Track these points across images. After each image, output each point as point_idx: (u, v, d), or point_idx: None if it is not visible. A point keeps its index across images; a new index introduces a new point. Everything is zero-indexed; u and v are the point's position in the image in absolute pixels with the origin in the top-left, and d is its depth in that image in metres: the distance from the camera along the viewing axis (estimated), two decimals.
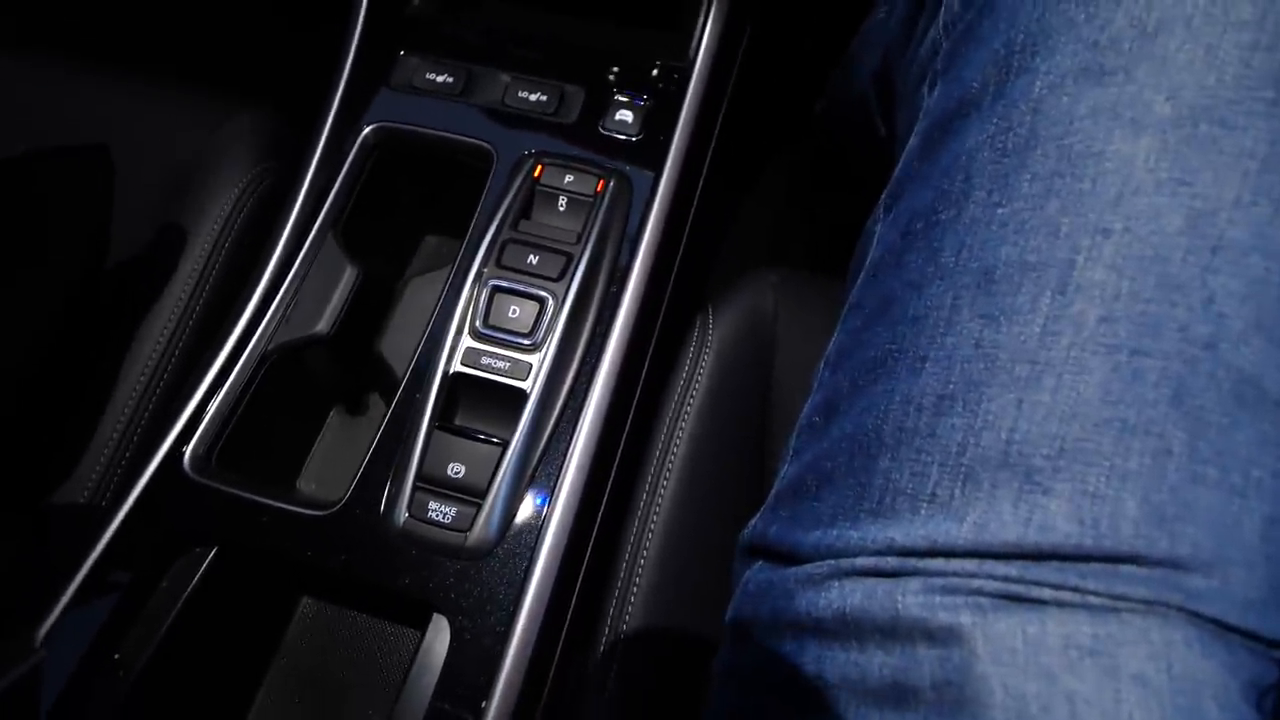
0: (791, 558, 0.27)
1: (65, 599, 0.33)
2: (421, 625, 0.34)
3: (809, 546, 0.26)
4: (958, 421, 0.24)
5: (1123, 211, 0.23)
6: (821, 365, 0.31)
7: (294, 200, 0.41)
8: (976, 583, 0.22)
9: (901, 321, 0.26)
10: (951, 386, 0.24)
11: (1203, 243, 0.22)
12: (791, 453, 0.31)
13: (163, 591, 0.34)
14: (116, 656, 0.33)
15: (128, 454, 0.39)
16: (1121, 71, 0.23)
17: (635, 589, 0.35)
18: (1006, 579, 0.22)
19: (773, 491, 0.30)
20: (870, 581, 0.23)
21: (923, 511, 0.24)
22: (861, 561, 0.24)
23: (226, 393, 0.38)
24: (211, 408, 0.37)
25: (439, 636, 0.33)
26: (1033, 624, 0.21)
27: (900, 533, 0.24)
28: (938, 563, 0.23)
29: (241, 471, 0.37)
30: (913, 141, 0.30)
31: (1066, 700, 0.20)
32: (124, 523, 0.34)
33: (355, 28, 0.44)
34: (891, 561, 0.23)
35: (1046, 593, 0.21)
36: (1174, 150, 0.23)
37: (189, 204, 0.43)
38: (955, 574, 0.22)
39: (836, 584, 0.24)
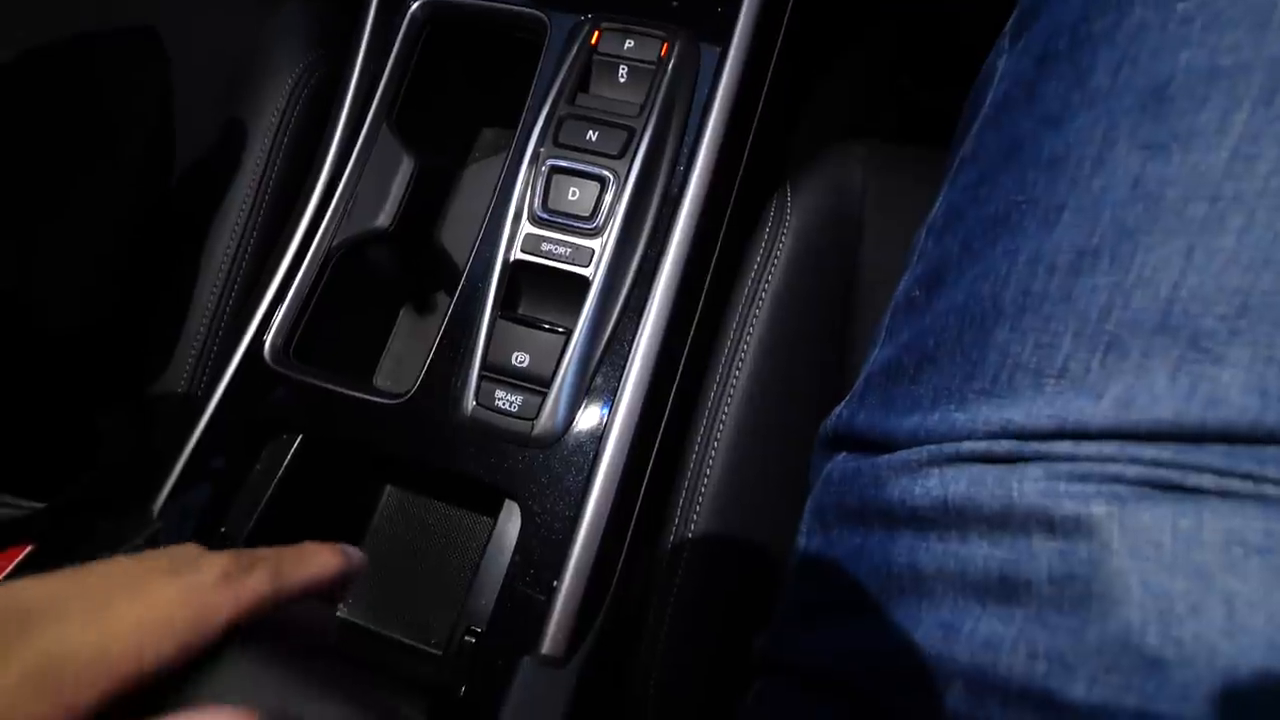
0: (884, 446, 0.25)
1: (173, 479, 0.35)
2: (494, 511, 0.35)
3: (905, 433, 0.23)
4: (1101, 281, 0.20)
5: None
6: (923, 234, 0.27)
7: (345, 91, 0.40)
8: (1115, 468, 0.19)
9: (1033, 166, 0.22)
10: (1096, 240, 0.20)
11: None
12: (885, 333, 0.27)
13: (257, 473, 0.36)
14: (222, 530, 0.35)
15: (215, 347, 0.40)
16: None
17: (705, 485, 0.34)
18: (1155, 463, 0.18)
19: (861, 377, 0.27)
20: (979, 468, 0.21)
21: (1048, 389, 0.20)
22: (969, 446, 0.21)
23: (296, 289, 0.38)
24: (285, 303, 0.38)
25: (511, 521, 0.34)
26: (1186, 515, 0.18)
27: (1020, 412, 0.20)
28: (1065, 445, 0.19)
29: (318, 363, 0.37)
30: None
31: (1224, 601, 0.17)
32: (216, 411, 0.36)
33: None
34: (1006, 445, 0.20)
35: (1208, 479, 0.18)
36: None
37: (245, 99, 0.43)
38: (1088, 458, 0.19)
39: (937, 471, 0.21)
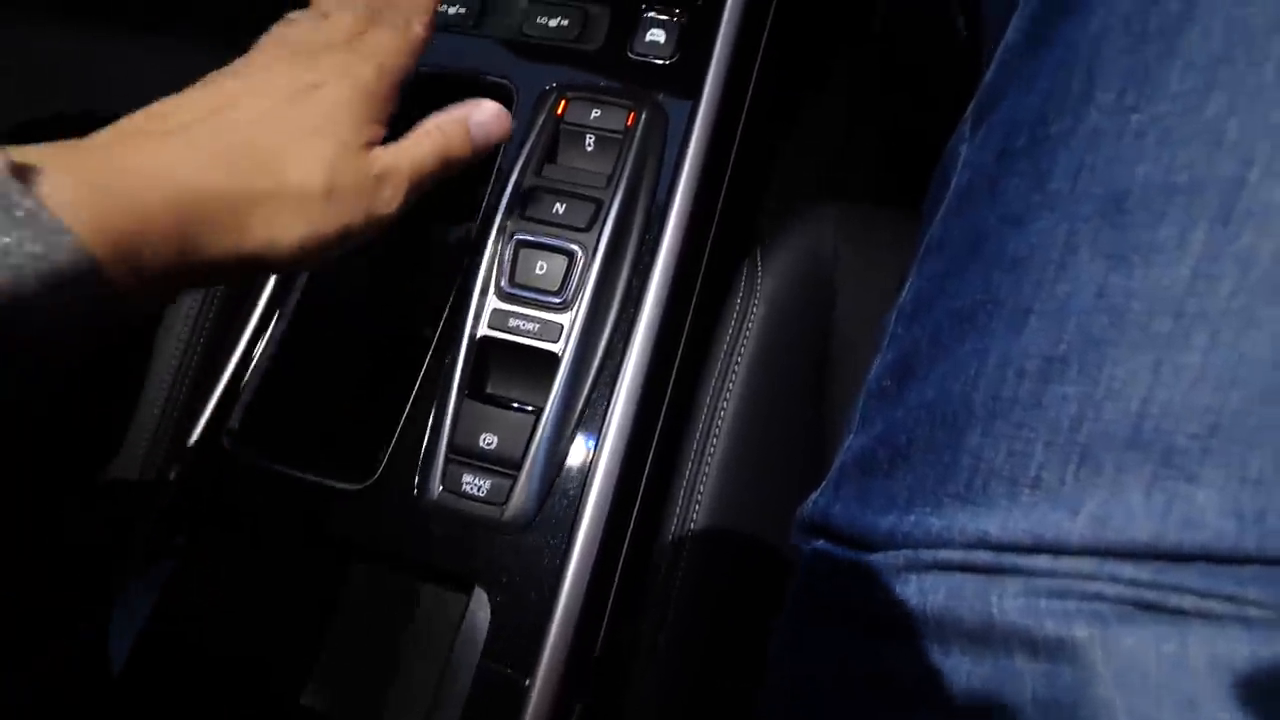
0: (860, 541, 0.24)
1: (128, 566, 0.34)
2: (466, 593, 0.33)
3: (882, 533, 0.23)
4: (1071, 390, 0.19)
5: None
6: (893, 318, 0.27)
7: None
8: (1095, 586, 0.18)
9: (997, 265, 0.22)
10: (1064, 346, 0.20)
11: None
12: (858, 420, 0.27)
13: (215, 559, 0.34)
14: (175, 620, 0.33)
15: (170, 430, 0.39)
16: None
17: (683, 561, 0.33)
18: (1135, 583, 0.18)
19: (835, 464, 0.27)
20: (957, 578, 0.20)
21: (1024, 498, 0.20)
22: (946, 555, 0.20)
23: (254, 367, 0.37)
24: (242, 383, 0.36)
25: (482, 609, 0.32)
26: (1170, 640, 0.17)
27: (996, 524, 0.20)
28: (1043, 560, 0.19)
29: (278, 444, 0.36)
30: (1011, 36, 0.24)
31: None
32: (172, 499, 0.35)
33: None
34: (983, 556, 0.20)
35: (1189, 601, 0.17)
36: None
37: None
38: (1067, 574, 0.18)
39: (915, 578, 0.21)
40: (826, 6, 0.52)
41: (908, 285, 0.27)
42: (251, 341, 0.37)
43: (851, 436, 0.27)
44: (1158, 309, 0.18)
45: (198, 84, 0.24)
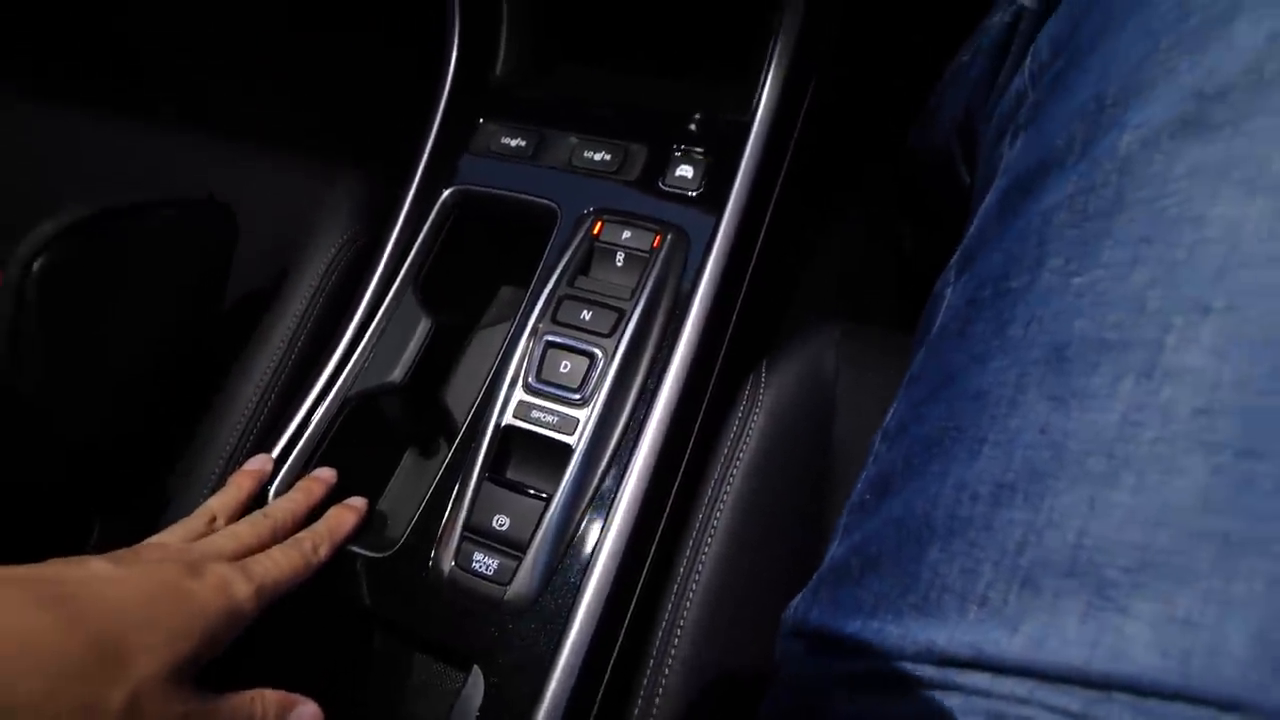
0: (831, 645, 0.25)
1: None
2: (465, 668, 0.35)
3: (849, 635, 0.24)
4: (1017, 516, 0.21)
5: (1226, 287, 0.20)
6: (879, 438, 0.29)
7: (379, 259, 0.45)
8: (1028, 711, 0.19)
9: (961, 398, 0.24)
10: (1012, 475, 0.22)
11: None
12: (841, 531, 0.29)
13: None
14: None
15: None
16: (1229, 125, 0.20)
17: (671, 657, 0.34)
18: (1066, 713, 0.18)
19: (817, 572, 0.28)
20: (910, 693, 0.21)
21: (971, 614, 0.21)
22: (896, 666, 0.22)
23: (310, 435, 0.41)
24: (296, 448, 0.41)
25: (478, 684, 0.34)
26: None
27: (944, 635, 0.21)
28: (982, 679, 0.20)
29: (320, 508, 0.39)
30: (990, 200, 0.28)
31: None
32: None
33: (440, 99, 0.48)
34: (928, 671, 0.21)
35: None
36: None
37: (294, 260, 0.48)
38: (1003, 697, 0.19)
39: (878, 688, 0.22)
40: (842, 155, 0.57)
41: (893, 409, 0.29)
42: (313, 406, 0.41)
43: (835, 545, 0.28)
44: (1092, 449, 0.20)
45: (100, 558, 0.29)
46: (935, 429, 0.25)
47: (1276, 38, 0.20)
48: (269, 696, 0.31)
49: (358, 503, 0.39)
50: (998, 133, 0.30)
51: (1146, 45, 0.22)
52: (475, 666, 0.34)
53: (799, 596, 0.29)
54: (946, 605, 0.22)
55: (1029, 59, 0.28)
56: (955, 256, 0.29)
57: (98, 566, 0.28)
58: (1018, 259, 0.24)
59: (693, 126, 0.43)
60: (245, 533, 0.34)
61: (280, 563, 0.32)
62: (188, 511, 0.41)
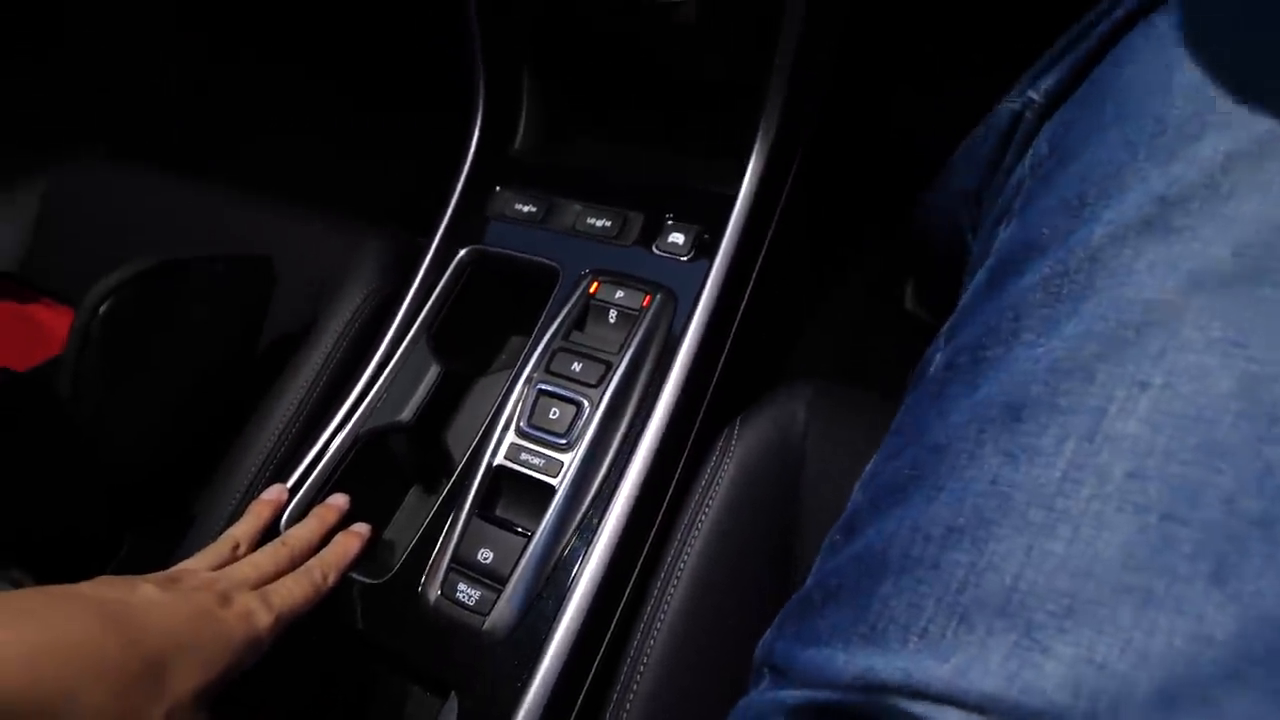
0: (786, 673, 0.27)
1: None
2: (444, 693, 0.37)
3: (801, 663, 0.26)
4: (962, 558, 0.23)
5: (1165, 366, 0.22)
6: (857, 485, 0.31)
7: (397, 309, 0.49)
8: None
9: (926, 449, 0.26)
10: (962, 520, 0.24)
11: (1257, 409, 0.20)
12: (815, 568, 0.30)
13: None
14: None
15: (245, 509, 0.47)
16: (1187, 230, 0.23)
17: (634, 692, 0.35)
18: None
19: (785, 605, 0.30)
20: (837, 717, 0.23)
21: (910, 645, 0.23)
22: (832, 693, 0.23)
23: (323, 467, 0.45)
24: (309, 479, 0.44)
25: (453, 709, 0.36)
26: None
27: (881, 662, 0.23)
28: (904, 703, 0.21)
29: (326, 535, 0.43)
30: (980, 277, 0.30)
31: None
32: None
33: (463, 171, 0.53)
34: (857, 697, 0.22)
35: None
36: (1229, 310, 0.21)
37: (323, 308, 0.54)
38: (918, 719, 0.21)
39: (808, 717, 0.23)
40: (825, 223, 0.61)
41: (873, 460, 0.31)
42: (327, 442, 0.45)
43: (805, 585, 0.30)
44: (1034, 501, 0.22)
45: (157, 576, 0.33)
46: (901, 476, 0.27)
47: (1232, 157, 0.23)
48: None
49: (362, 529, 0.42)
50: (998, 212, 0.32)
51: (1126, 154, 0.25)
52: (452, 691, 0.36)
53: (767, 633, 0.31)
54: (890, 636, 0.23)
55: (1031, 151, 0.31)
56: (945, 326, 0.31)
57: (148, 591, 0.31)
58: (995, 330, 0.27)
59: (685, 197, 0.47)
60: (265, 562, 0.37)
61: (295, 592, 0.36)
62: (210, 532, 0.45)
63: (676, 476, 0.41)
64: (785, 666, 0.27)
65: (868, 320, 0.71)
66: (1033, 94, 0.32)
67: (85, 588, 0.30)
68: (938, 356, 0.31)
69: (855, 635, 0.24)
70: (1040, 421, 0.23)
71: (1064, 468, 0.22)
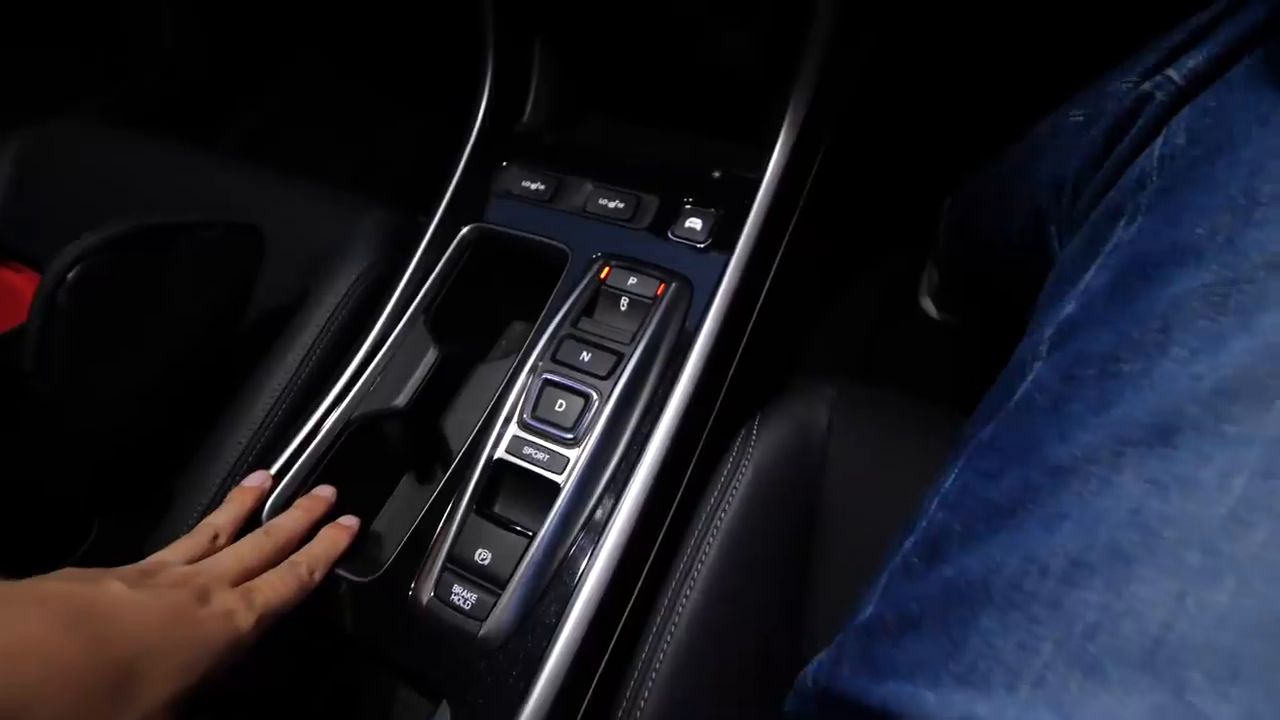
0: (859, 711, 0.24)
1: None
2: (434, 700, 0.34)
3: (876, 697, 0.23)
4: (1092, 598, 0.20)
5: None
6: (934, 501, 0.28)
7: (393, 288, 0.47)
8: None
9: (1042, 471, 0.23)
10: (1092, 555, 0.21)
11: None
12: (879, 594, 0.27)
13: None
14: None
15: (227, 494, 0.44)
16: None
17: (640, 710, 0.33)
18: None
19: (848, 626, 0.27)
20: None
21: (1022, 692, 0.20)
22: None
23: (310, 453, 0.42)
24: (295, 466, 0.42)
25: (445, 719, 0.33)
26: None
27: (986, 709, 0.20)
28: None
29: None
30: (1098, 278, 0.27)
31: None
32: None
33: (468, 143, 0.50)
34: None
35: None
36: None
37: (315, 284, 0.50)
38: None
39: None
40: (851, 214, 0.58)
41: (954, 475, 0.28)
42: (316, 425, 0.42)
43: (870, 605, 0.27)
44: (1190, 541, 0.19)
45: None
46: (1006, 499, 0.24)
47: None
48: None
49: (350, 522, 0.39)
50: (1110, 210, 0.29)
51: None
52: (444, 701, 0.33)
53: (822, 656, 0.28)
54: (994, 679, 0.21)
55: (1160, 141, 0.28)
56: (1048, 330, 0.28)
57: (117, 588, 0.28)
58: (1133, 342, 0.24)
59: (704, 181, 0.44)
60: (249, 554, 0.34)
61: (279, 589, 0.33)
62: (187, 519, 0.42)
63: (688, 477, 0.38)
64: (852, 698, 0.24)
65: (881, 319, 0.69)
66: (1172, 73, 0.29)
67: (47, 583, 0.27)
68: (1036, 366, 0.27)
69: (947, 673, 0.22)
70: (1200, 450, 0.20)
71: (1231, 506, 0.19)
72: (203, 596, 0.30)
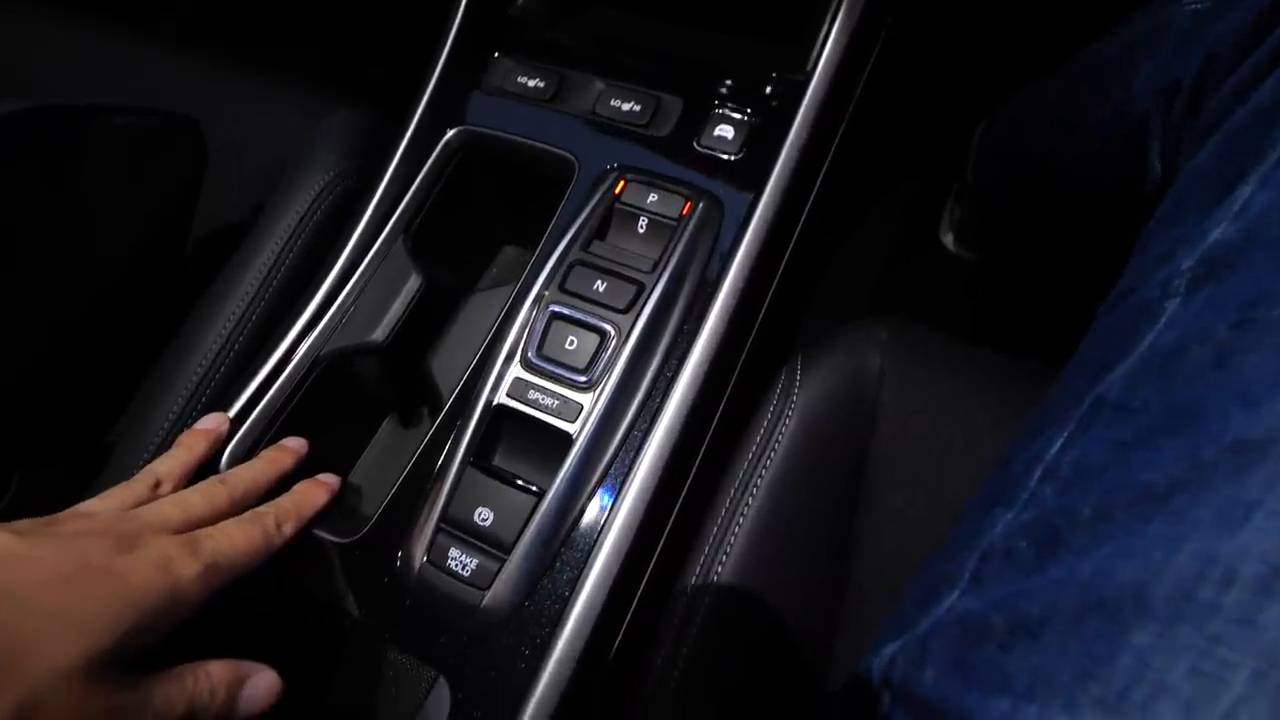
0: (943, 716, 0.20)
1: None
2: (430, 679, 0.30)
3: (984, 715, 0.19)
4: None
5: None
6: (1035, 472, 0.23)
7: (367, 202, 0.39)
8: None
9: (1213, 444, 0.19)
10: None
11: None
12: (969, 578, 0.23)
13: None
14: None
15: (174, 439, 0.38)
16: None
17: (670, 692, 0.29)
18: None
19: (927, 619, 0.23)
20: None
21: None
22: None
23: (273, 395, 0.36)
24: (257, 409, 0.36)
25: (442, 700, 0.29)
26: None
27: None
28: None
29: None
30: (1263, 195, 0.22)
31: None
32: None
33: (451, 28, 0.42)
34: None
35: None
36: None
37: (274, 196, 0.43)
38: None
39: None
40: (904, 127, 0.52)
41: (1059, 441, 0.23)
42: (280, 363, 0.36)
43: (957, 594, 0.23)
44: None
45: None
46: (1158, 481, 0.20)
47: None
48: (215, 672, 0.26)
49: (330, 479, 0.34)
50: (1261, 112, 0.23)
51: None
52: (440, 678, 0.29)
53: (895, 644, 0.24)
54: (1159, 712, 0.17)
55: None
56: (1185, 263, 0.23)
57: (1, 542, 0.23)
58: None
59: (737, 81, 0.38)
60: (195, 502, 0.29)
61: (235, 538, 0.28)
62: (126, 474, 0.36)
63: (715, 425, 0.33)
64: (939, 705, 0.20)
65: (896, 252, 0.63)
66: None
67: None
68: (1171, 306, 0.22)
69: (1085, 697, 0.18)
70: None
71: None
72: (128, 543, 0.25)
